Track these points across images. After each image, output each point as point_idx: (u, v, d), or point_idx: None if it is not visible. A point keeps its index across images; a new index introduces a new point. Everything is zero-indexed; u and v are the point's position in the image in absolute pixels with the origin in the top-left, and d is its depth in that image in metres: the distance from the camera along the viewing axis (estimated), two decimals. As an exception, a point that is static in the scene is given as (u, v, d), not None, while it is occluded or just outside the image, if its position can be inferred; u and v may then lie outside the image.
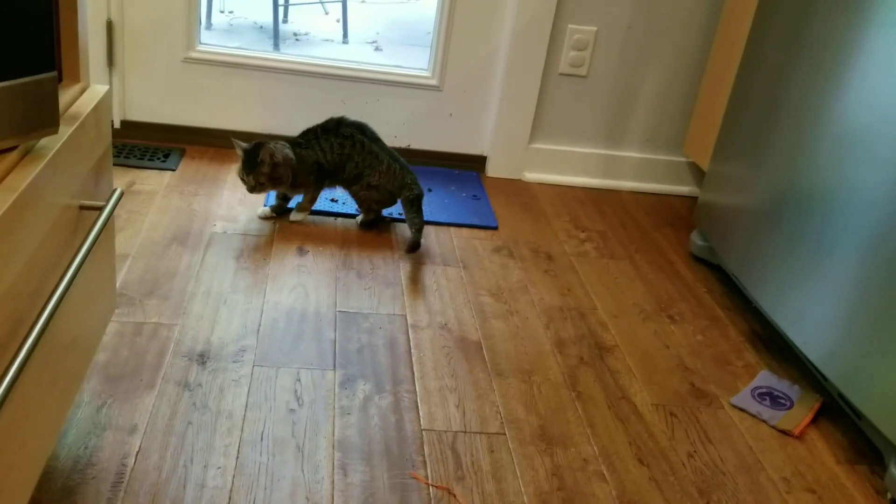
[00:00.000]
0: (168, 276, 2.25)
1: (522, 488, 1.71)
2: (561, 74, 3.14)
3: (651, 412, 2.00)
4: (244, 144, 2.52)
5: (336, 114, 3.15)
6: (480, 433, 1.85)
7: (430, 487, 1.68)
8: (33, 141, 1.26)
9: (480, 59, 3.13)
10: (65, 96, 1.46)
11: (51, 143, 1.28)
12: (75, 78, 1.54)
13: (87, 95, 1.53)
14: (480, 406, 1.94)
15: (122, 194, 1.55)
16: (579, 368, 2.13)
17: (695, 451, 1.88)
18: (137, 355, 1.93)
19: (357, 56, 4.89)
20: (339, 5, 5.56)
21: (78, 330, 1.46)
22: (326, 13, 6.08)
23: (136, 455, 1.65)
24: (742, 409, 2.06)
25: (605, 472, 1.79)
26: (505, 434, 1.86)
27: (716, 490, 1.77)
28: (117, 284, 2.17)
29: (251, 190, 2.54)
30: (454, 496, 1.67)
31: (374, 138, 2.69)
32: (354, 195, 2.71)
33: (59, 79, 1.52)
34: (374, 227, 2.70)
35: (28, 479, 1.24)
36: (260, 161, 2.49)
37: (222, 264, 2.35)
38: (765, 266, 2.30)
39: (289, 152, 2.56)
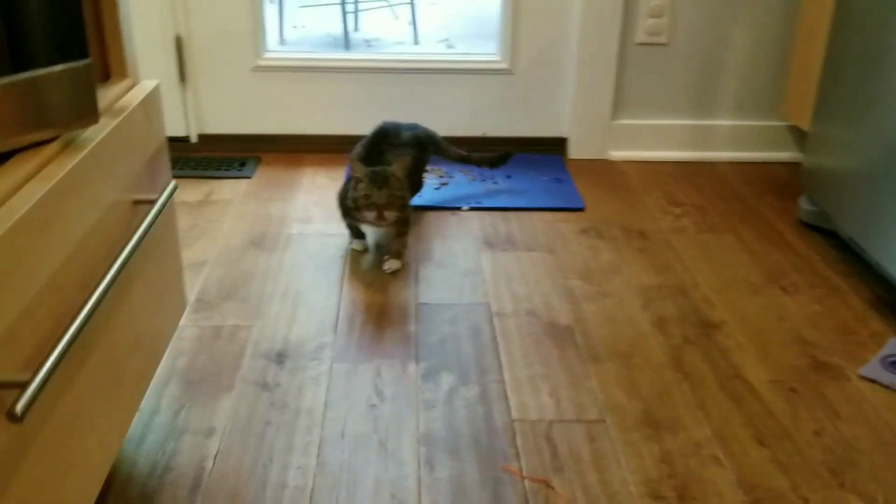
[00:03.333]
0: (246, 280, 2.19)
1: (628, 477, 1.55)
2: (639, 44, 2.96)
3: (768, 390, 1.80)
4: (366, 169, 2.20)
5: (410, 109, 3.06)
6: (578, 421, 1.70)
7: (525, 480, 1.54)
8: (76, 133, 1.21)
9: (551, 36, 2.98)
10: (111, 91, 1.41)
11: (93, 135, 1.22)
12: (123, 74, 1.49)
13: (136, 91, 1.47)
14: (576, 393, 1.79)
15: (176, 187, 1.48)
16: (684, 348, 1.95)
17: (822, 429, 1.68)
18: (216, 358, 1.86)
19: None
20: (409, 8, 5.50)
21: (141, 329, 1.39)
22: (396, 17, 6.02)
23: (215, 458, 1.58)
24: (872, 381, 1.83)
25: (721, 455, 1.61)
26: (605, 421, 1.70)
27: (849, 469, 1.57)
28: (196, 290, 2.12)
29: (378, 217, 2.15)
30: (552, 489, 1.53)
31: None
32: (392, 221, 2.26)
33: (107, 76, 1.47)
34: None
35: (91, 483, 1.17)
36: (390, 175, 2.16)
37: (300, 265, 2.28)
38: (885, 226, 2.07)
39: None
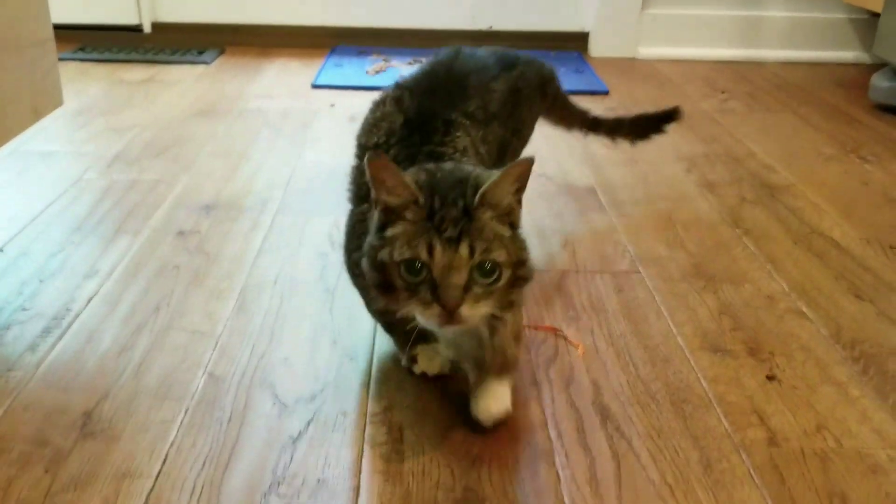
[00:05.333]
0: (181, 142, 1.75)
1: (674, 329, 1.08)
2: (675, -81, 2.52)
3: (861, 246, 1.33)
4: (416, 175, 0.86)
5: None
6: (600, 272, 1.24)
7: (527, 329, 1.08)
8: None
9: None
10: None
11: None
12: None
13: None
14: (598, 245, 1.33)
15: None
16: (742, 207, 1.48)
17: (943, 283, 1.21)
18: (124, 207, 1.42)
19: None
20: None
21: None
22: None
23: (89, 300, 1.13)
24: None
25: (804, 309, 1.14)
26: (639, 272, 1.24)
27: None
28: (116, 150, 1.68)
29: (443, 318, 0.80)
30: (565, 338, 1.06)
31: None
32: None
33: None
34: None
35: None
36: (477, 185, 0.83)
37: (253, 131, 1.84)
38: None
39: None
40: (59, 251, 1.27)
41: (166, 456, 0.84)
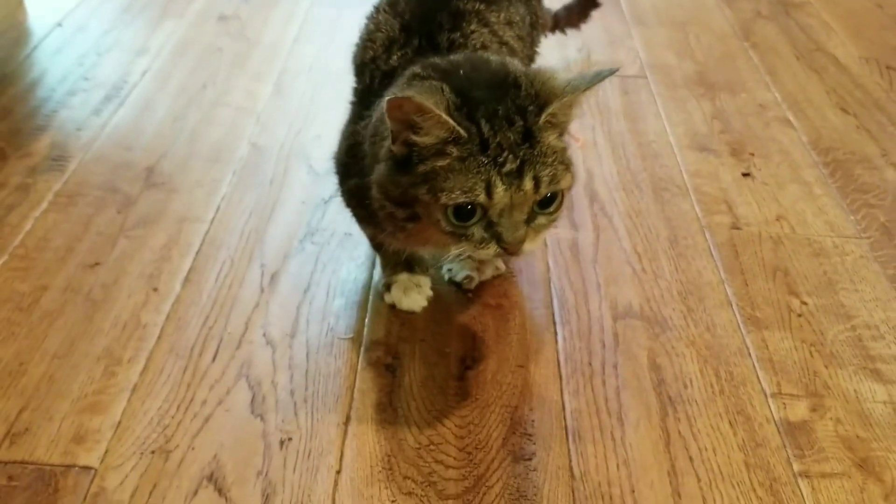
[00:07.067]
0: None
1: (668, 129, 1.20)
2: None
3: (859, 64, 1.41)
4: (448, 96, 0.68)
5: None
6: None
7: (535, 122, 1.20)
8: None
9: None
10: None
11: None
12: None
13: None
14: (612, 50, 1.42)
15: None
16: (755, 21, 1.55)
17: (928, 102, 1.30)
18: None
19: None
20: None
21: None
22: None
23: (143, 74, 1.26)
24: None
25: (790, 118, 1.24)
26: (646, 77, 1.33)
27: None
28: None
29: (516, 235, 0.68)
30: (567, 132, 1.18)
31: None
32: None
33: None
34: None
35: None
36: (560, 111, 0.69)
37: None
38: None
39: None
40: (112, 28, 1.38)
41: (219, 207, 0.99)
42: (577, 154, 1.13)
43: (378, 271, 0.90)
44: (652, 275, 0.93)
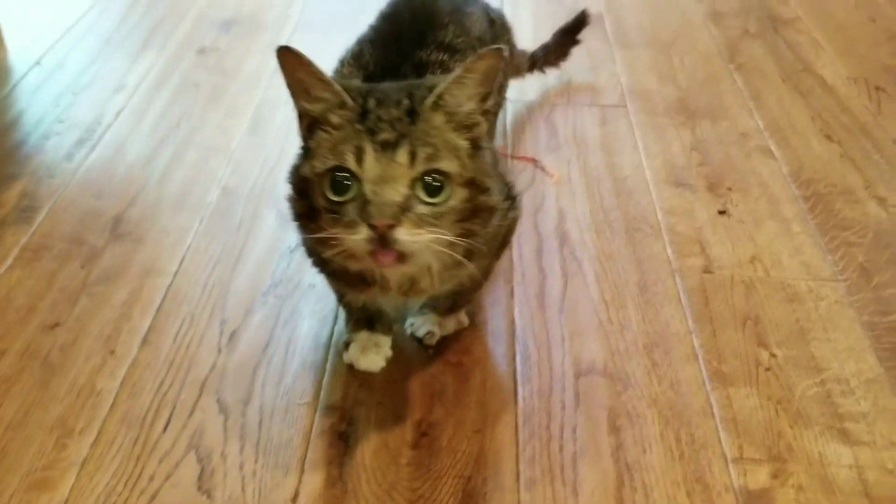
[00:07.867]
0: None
1: (645, 162, 1.18)
2: None
3: (847, 86, 1.38)
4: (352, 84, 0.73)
5: None
6: (589, 105, 1.32)
7: (509, 159, 1.18)
8: None
9: None
10: None
11: None
12: None
13: None
14: (594, 77, 1.40)
15: None
16: (742, 40, 1.52)
17: (914, 129, 1.27)
18: (149, 20, 1.50)
19: None
20: None
21: None
22: None
23: (118, 114, 1.26)
24: None
25: (772, 147, 1.22)
26: (625, 106, 1.31)
27: (950, 168, 1.17)
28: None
29: (376, 249, 0.66)
30: (542, 168, 1.17)
31: None
32: None
33: None
34: None
35: None
36: (446, 91, 0.69)
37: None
38: None
39: None
40: (92, 63, 1.38)
41: (183, 258, 0.99)
42: (550, 192, 1.12)
43: (341, 326, 0.90)
44: (619, 325, 0.91)
